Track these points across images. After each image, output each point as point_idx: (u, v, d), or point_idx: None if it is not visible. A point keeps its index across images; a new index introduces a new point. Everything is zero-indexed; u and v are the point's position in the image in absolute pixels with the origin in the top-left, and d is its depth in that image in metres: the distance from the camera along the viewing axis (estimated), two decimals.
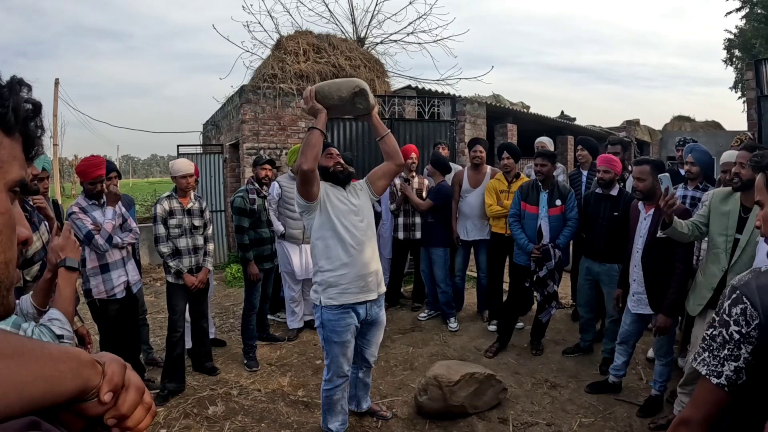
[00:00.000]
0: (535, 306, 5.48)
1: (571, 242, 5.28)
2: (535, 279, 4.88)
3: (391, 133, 3.46)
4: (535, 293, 5.10)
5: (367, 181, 3.56)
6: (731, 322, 1.31)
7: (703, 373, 1.35)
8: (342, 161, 3.46)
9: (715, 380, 1.32)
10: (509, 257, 5.45)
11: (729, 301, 1.33)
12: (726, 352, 1.31)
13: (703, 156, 4.55)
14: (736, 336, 1.29)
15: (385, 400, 4.21)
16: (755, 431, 1.28)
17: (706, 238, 3.55)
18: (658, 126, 22.64)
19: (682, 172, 4.75)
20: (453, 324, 5.91)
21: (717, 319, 1.35)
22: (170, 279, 4.36)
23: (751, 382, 1.31)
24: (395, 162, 3.47)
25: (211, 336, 5.19)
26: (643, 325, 4.11)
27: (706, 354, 1.36)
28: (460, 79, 12.63)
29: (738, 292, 1.32)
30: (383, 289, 3.54)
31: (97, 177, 3.96)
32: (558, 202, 4.82)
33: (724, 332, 1.32)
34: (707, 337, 1.37)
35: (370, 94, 3.21)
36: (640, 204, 3.95)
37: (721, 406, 1.34)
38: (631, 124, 19.27)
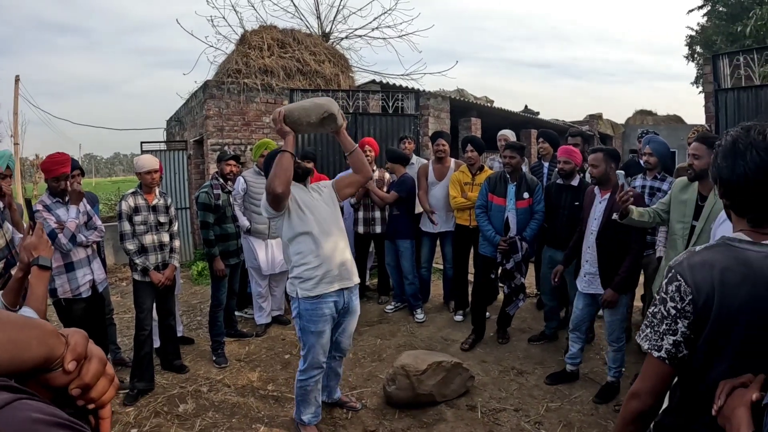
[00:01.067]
0: (501, 296, 5.54)
1: None
2: (501, 271, 4.94)
3: (358, 148, 3.54)
4: (502, 285, 5.12)
5: (334, 186, 3.63)
6: (668, 299, 1.41)
7: (645, 347, 1.46)
8: (300, 163, 3.50)
9: (656, 354, 1.43)
10: (473, 248, 5.53)
11: (666, 280, 1.43)
12: (664, 327, 1.41)
13: (661, 147, 4.68)
14: (673, 311, 1.39)
15: (355, 392, 4.25)
16: (702, 400, 1.37)
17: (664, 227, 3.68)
18: (620, 120, 23.15)
19: (643, 162, 4.88)
20: (420, 315, 5.98)
21: (657, 297, 1.46)
22: (136, 276, 4.32)
23: (693, 355, 1.40)
24: (363, 175, 3.58)
25: (179, 334, 5.16)
26: (594, 309, 4.22)
27: (648, 330, 1.46)
28: (425, 74, 12.78)
29: (673, 271, 1.42)
30: (357, 279, 3.59)
31: (61, 174, 3.93)
32: (525, 195, 4.85)
33: (662, 309, 1.42)
34: (649, 315, 1.47)
35: (339, 115, 3.27)
36: (596, 188, 4.09)
37: (666, 378, 1.45)
38: (594, 118, 19.61)
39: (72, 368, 0.78)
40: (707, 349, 1.37)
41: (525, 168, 6.21)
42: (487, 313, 5.77)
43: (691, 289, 1.36)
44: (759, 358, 1.31)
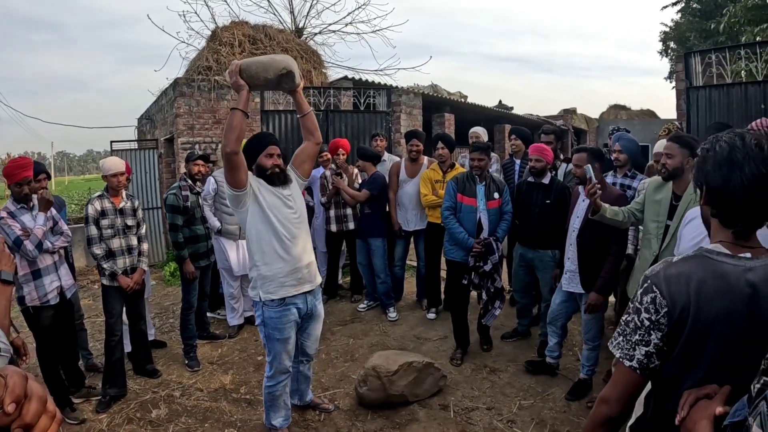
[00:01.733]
0: (474, 295, 5.26)
1: None
2: (480, 274, 4.71)
3: (312, 112, 3.53)
4: (478, 292, 4.85)
5: (293, 167, 3.58)
6: (642, 310, 1.41)
7: (617, 355, 1.46)
8: (281, 163, 3.42)
9: (627, 363, 1.43)
10: None
11: (641, 290, 1.43)
12: (637, 337, 1.42)
13: (630, 144, 4.71)
14: (647, 323, 1.40)
15: (327, 393, 4.25)
16: (675, 411, 1.38)
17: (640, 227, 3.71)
18: (595, 114, 23.38)
19: (613, 160, 4.90)
20: (392, 314, 5.99)
21: (631, 306, 1.46)
22: (105, 281, 4.26)
23: (667, 366, 1.41)
24: (315, 140, 3.56)
25: (151, 337, 5.11)
26: (573, 306, 4.23)
27: (621, 338, 1.47)
28: (399, 69, 12.76)
29: (649, 281, 1.42)
30: (319, 279, 3.58)
31: (23, 178, 3.85)
32: (496, 195, 4.74)
33: (636, 319, 1.43)
34: (623, 323, 1.48)
35: (297, 73, 3.21)
36: (580, 187, 4.10)
37: (636, 387, 1.46)
38: (569, 113, 19.75)
39: (11, 410, 0.79)
40: (681, 360, 1.39)
41: (497, 165, 6.24)
42: None
43: (667, 302, 1.37)
44: (733, 371, 1.32)
